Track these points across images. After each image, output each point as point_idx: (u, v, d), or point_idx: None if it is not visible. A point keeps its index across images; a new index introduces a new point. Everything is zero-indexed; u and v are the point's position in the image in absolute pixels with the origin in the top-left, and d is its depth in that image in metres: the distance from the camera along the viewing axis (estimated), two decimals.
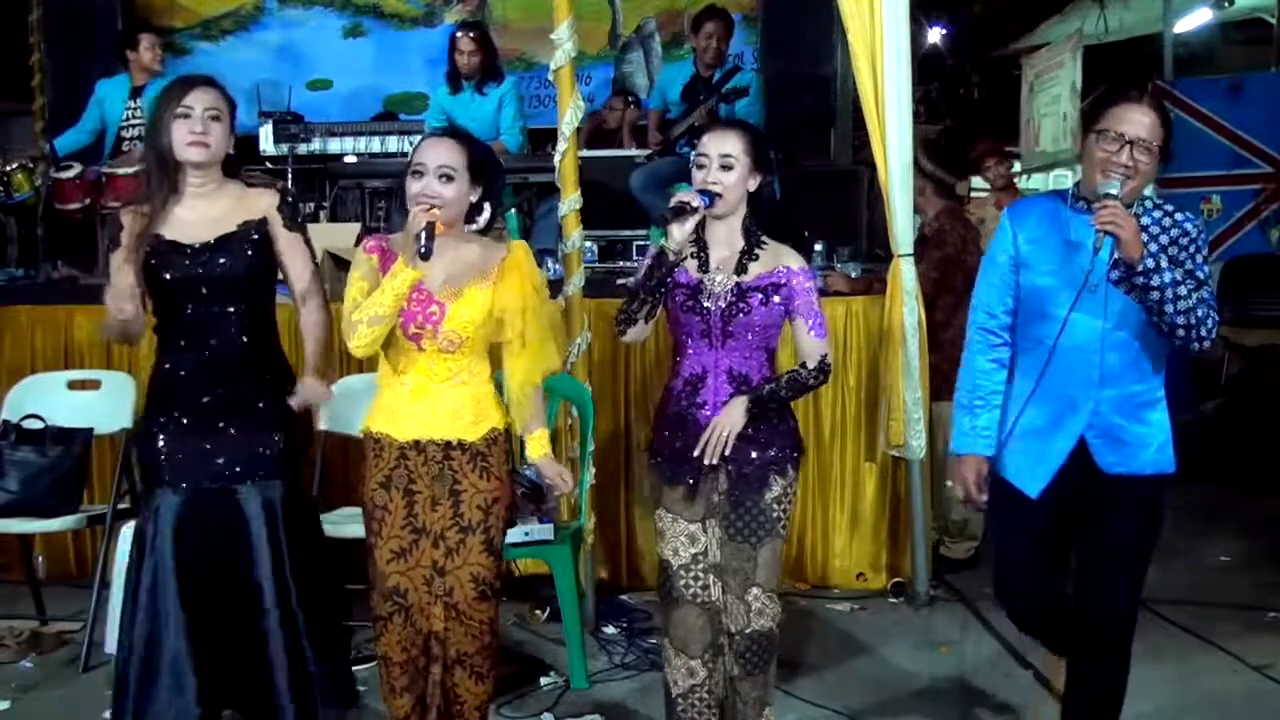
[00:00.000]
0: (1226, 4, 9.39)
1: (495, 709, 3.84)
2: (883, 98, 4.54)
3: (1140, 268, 2.83)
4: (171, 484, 3.28)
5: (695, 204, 3.13)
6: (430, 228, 3.05)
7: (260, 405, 3.34)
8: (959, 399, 3.17)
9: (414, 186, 3.14)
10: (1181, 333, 2.90)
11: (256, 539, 3.29)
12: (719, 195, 3.18)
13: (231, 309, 3.28)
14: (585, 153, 5.72)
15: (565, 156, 4.61)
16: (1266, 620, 4.75)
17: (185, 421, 3.30)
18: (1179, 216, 3.01)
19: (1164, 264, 2.87)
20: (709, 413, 3.23)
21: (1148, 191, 3.04)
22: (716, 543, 3.26)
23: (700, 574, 3.27)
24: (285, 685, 3.30)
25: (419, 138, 3.35)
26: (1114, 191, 2.86)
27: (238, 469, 3.29)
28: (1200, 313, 2.89)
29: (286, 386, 3.41)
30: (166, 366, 3.34)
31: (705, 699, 3.32)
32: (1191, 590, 5.07)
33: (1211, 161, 8.66)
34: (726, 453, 3.16)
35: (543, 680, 4.22)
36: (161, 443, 3.30)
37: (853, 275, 5.55)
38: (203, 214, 3.30)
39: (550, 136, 5.00)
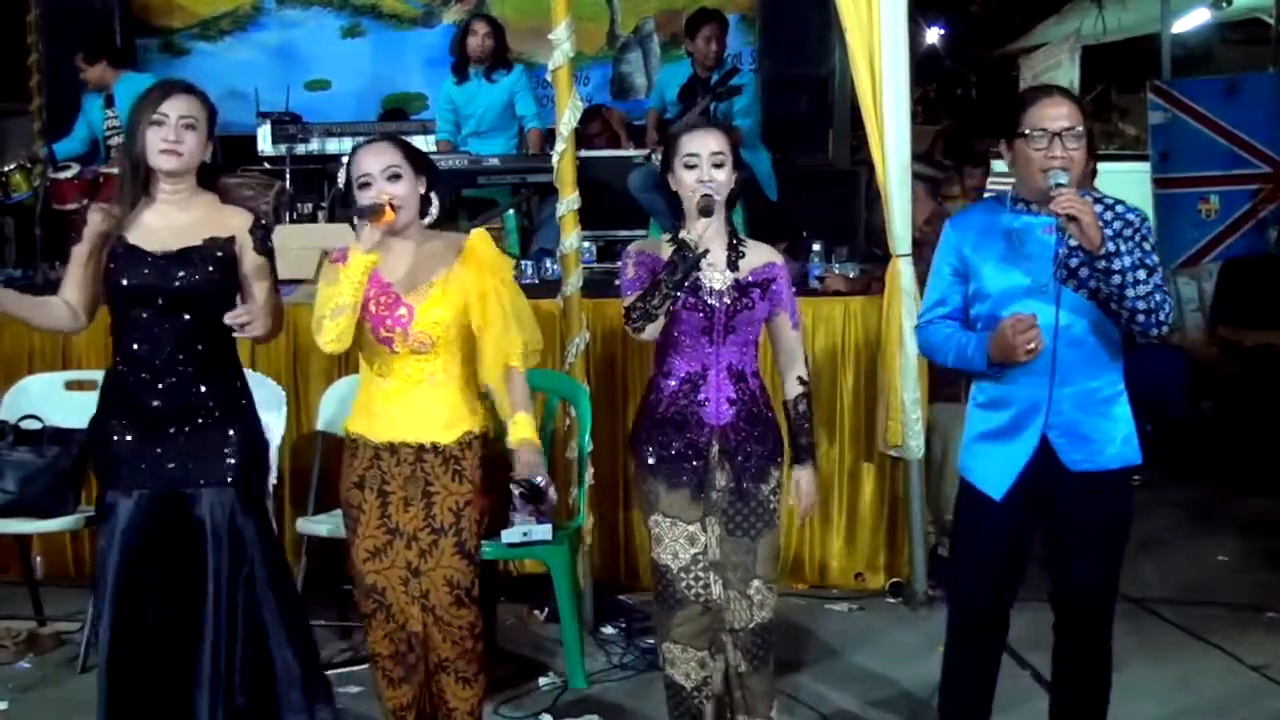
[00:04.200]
0: (1224, 4, 9.39)
1: (493, 709, 3.84)
2: (881, 98, 4.54)
3: (1102, 252, 2.86)
4: (124, 488, 3.24)
5: (718, 199, 3.16)
6: (376, 207, 3.07)
7: (215, 412, 3.29)
8: (950, 359, 3.14)
9: (365, 196, 3.14)
10: (1141, 317, 2.92)
11: (206, 544, 3.22)
12: (717, 192, 3.20)
13: (188, 317, 3.23)
14: (584, 153, 5.72)
15: (563, 157, 4.61)
16: (1264, 620, 4.75)
17: (139, 426, 3.25)
18: (1120, 208, 3.05)
19: (1122, 248, 2.90)
20: (712, 408, 3.26)
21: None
22: (716, 540, 3.28)
23: (701, 574, 3.28)
24: (206, 707, 3.21)
25: (356, 147, 3.33)
26: (1064, 181, 2.89)
27: (191, 475, 3.24)
28: (1158, 297, 2.93)
29: (243, 396, 3.38)
30: (121, 369, 3.29)
31: (715, 694, 3.35)
32: (1189, 590, 5.08)
33: (1209, 162, 8.66)
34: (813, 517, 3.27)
35: (541, 680, 4.22)
36: (115, 446, 3.26)
37: (850, 275, 5.55)
38: (171, 222, 3.26)
39: (549, 137, 5.00)
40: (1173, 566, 5.46)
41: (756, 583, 3.27)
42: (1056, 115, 2.96)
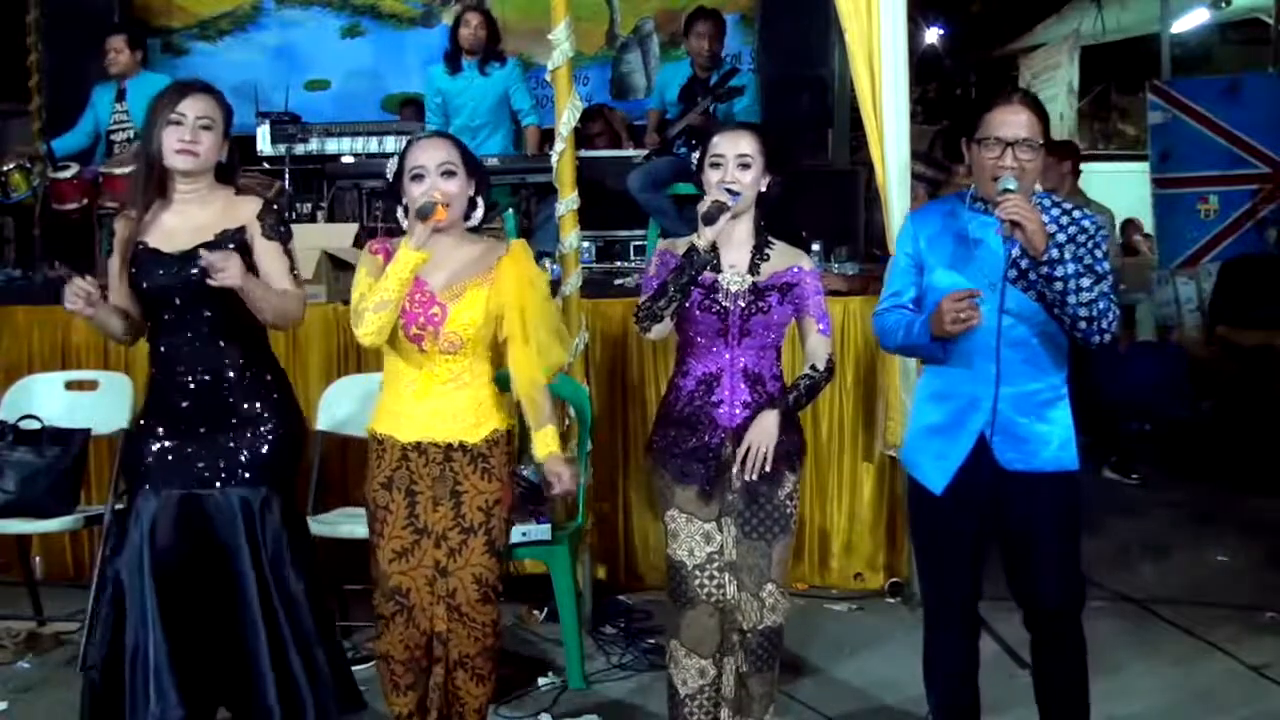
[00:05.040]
0: (1223, 4, 9.41)
1: (493, 709, 3.84)
2: (880, 98, 4.53)
3: (1045, 258, 2.88)
4: (153, 487, 3.25)
5: (730, 203, 3.16)
6: (432, 205, 3.08)
7: (245, 411, 3.30)
8: (899, 338, 3.12)
9: (417, 189, 3.15)
10: (1083, 324, 2.93)
11: (237, 544, 3.24)
12: (738, 194, 3.20)
13: (208, 314, 3.24)
14: (583, 153, 5.71)
15: (563, 157, 4.61)
16: (1264, 620, 4.75)
17: (171, 427, 3.28)
18: (1077, 214, 3.07)
19: (1067, 255, 2.92)
20: (726, 410, 3.26)
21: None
22: (732, 541, 3.28)
23: (715, 573, 3.28)
24: (272, 687, 3.26)
25: (406, 141, 3.35)
26: (1012, 187, 2.91)
27: (221, 474, 3.25)
28: (1102, 305, 2.94)
29: (276, 392, 3.37)
30: (153, 371, 3.33)
31: (713, 697, 3.34)
32: (1189, 590, 5.08)
33: (1208, 162, 8.68)
34: (768, 468, 3.20)
35: (541, 680, 4.21)
36: (145, 447, 3.28)
37: (850, 275, 5.56)
38: (187, 221, 3.27)
39: (548, 137, 5.00)
40: (1173, 566, 5.47)
41: (770, 586, 3.27)
42: (1012, 124, 2.98)
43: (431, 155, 3.18)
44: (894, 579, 5.04)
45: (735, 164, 3.23)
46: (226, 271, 3.09)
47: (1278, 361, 7.14)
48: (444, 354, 3.19)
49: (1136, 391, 7.76)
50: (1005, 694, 3.53)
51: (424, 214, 3.08)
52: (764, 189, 3.28)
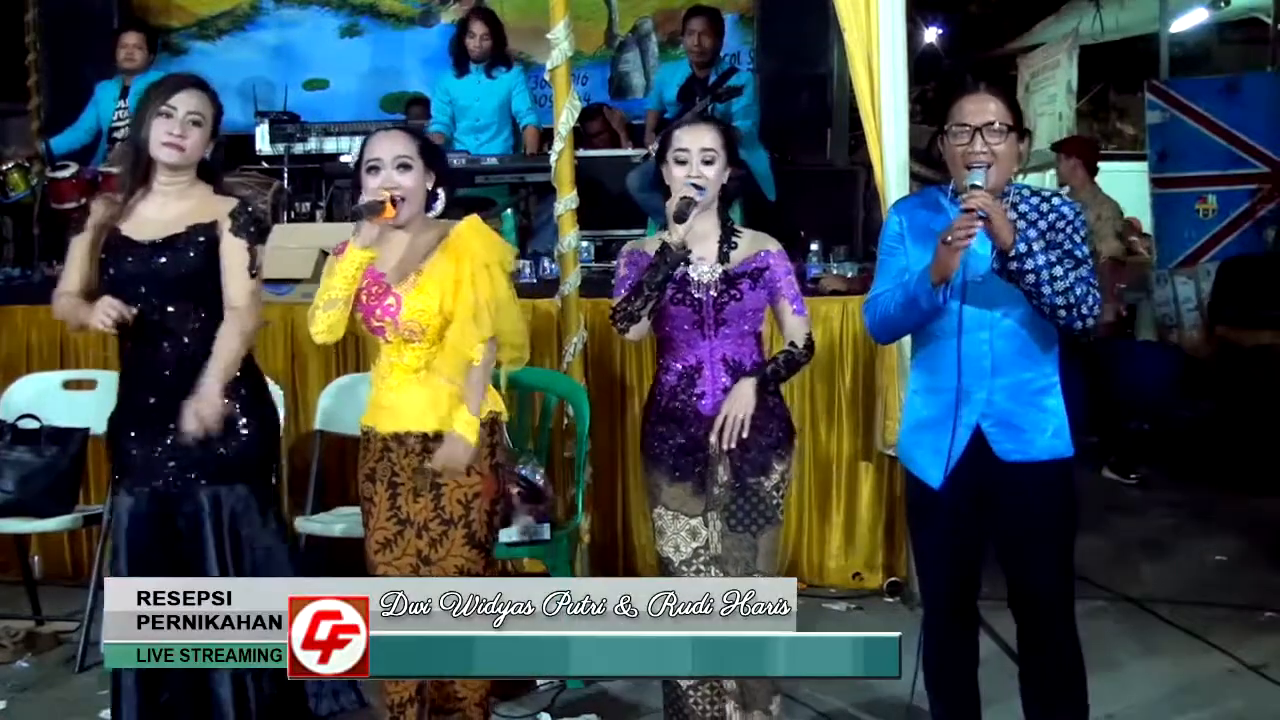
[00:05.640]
0: (1222, 4, 9.41)
1: (493, 707, 3.84)
2: (879, 97, 4.53)
3: (1013, 252, 2.87)
4: (125, 485, 3.27)
5: (698, 198, 3.17)
6: (379, 204, 3.08)
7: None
8: (897, 300, 3.05)
9: (373, 181, 3.16)
10: (1063, 313, 2.93)
11: (205, 543, 3.24)
12: (704, 189, 3.20)
13: (172, 309, 3.25)
14: (582, 152, 5.71)
15: (561, 156, 4.61)
16: (1263, 620, 4.75)
17: (139, 422, 3.28)
18: (1055, 201, 3.07)
19: (1036, 247, 2.91)
20: (708, 402, 3.26)
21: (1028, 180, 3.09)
22: (717, 535, 3.28)
23: (702, 568, 3.28)
24: (228, 696, 3.25)
25: (365, 136, 3.33)
26: (979, 181, 2.90)
27: (190, 472, 3.24)
28: (1079, 291, 2.93)
29: (248, 389, 3.35)
30: (124, 366, 3.34)
31: (716, 687, 3.33)
32: (1188, 590, 5.08)
33: (1207, 162, 8.68)
34: (744, 435, 3.19)
35: (540, 680, 4.21)
36: (118, 444, 3.30)
37: (848, 275, 5.55)
38: (163, 214, 3.28)
39: (546, 136, 4.99)
40: (1173, 566, 5.47)
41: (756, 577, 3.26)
42: (979, 111, 2.98)
43: (388, 148, 3.18)
44: (893, 578, 5.04)
45: (699, 159, 3.23)
46: (204, 419, 3.16)
47: (1278, 361, 7.14)
48: (408, 343, 3.19)
49: (1136, 391, 7.76)
50: (1005, 691, 3.52)
51: (364, 212, 3.09)
52: (725, 182, 3.29)
